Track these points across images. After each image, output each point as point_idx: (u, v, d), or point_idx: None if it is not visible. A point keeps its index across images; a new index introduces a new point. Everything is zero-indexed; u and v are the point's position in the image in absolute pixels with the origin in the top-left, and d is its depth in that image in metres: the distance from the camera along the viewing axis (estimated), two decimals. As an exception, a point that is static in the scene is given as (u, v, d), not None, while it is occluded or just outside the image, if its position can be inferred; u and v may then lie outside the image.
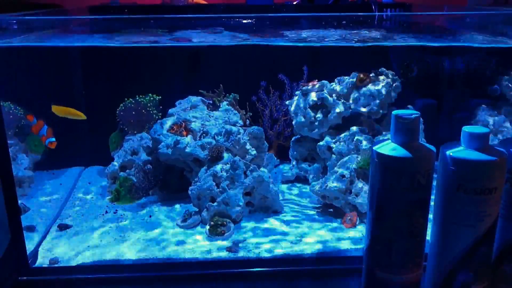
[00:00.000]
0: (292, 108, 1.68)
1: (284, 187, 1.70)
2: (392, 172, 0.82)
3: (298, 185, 1.72)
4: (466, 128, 0.84)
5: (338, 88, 1.65)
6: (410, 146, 0.82)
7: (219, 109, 1.68)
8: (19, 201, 1.21)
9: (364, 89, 1.59)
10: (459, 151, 0.83)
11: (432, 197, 0.87)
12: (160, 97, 1.77)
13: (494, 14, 1.36)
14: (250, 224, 1.40)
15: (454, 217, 0.85)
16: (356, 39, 1.45)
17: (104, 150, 1.78)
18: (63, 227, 1.39)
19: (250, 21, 1.34)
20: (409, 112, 0.83)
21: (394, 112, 0.84)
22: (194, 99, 1.72)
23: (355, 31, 1.43)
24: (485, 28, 1.42)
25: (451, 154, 0.83)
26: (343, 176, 1.43)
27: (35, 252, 1.25)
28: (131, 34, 1.46)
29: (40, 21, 1.33)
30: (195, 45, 1.66)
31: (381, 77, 1.61)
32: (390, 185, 0.83)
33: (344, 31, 1.40)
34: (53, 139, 1.61)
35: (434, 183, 0.85)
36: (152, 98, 1.75)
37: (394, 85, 1.59)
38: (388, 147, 0.83)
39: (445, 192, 0.85)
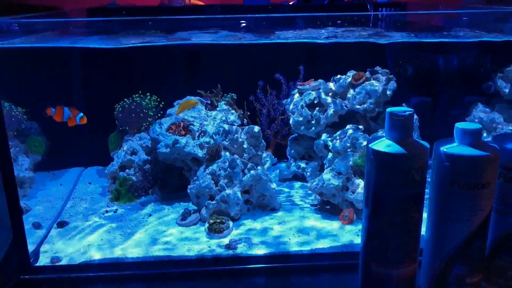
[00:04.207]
0: (289, 107, 1.70)
1: (281, 185, 1.72)
2: (387, 168, 0.84)
3: (296, 183, 1.73)
4: (459, 125, 0.86)
5: (334, 87, 1.67)
6: (404, 143, 0.84)
7: (217, 108, 1.70)
8: (21, 201, 1.22)
9: (359, 87, 1.61)
10: (453, 147, 0.85)
11: (427, 193, 0.89)
12: (158, 98, 1.79)
13: (487, 12, 1.38)
14: (249, 222, 1.42)
15: (449, 212, 0.87)
16: (351, 37, 1.47)
17: (103, 151, 1.79)
18: (62, 224, 1.41)
19: (247, 21, 1.36)
20: (403, 109, 0.85)
21: (389, 109, 0.85)
22: (192, 99, 1.74)
23: (350, 29, 1.45)
24: (479, 25, 1.44)
25: (444, 150, 0.84)
26: (339, 173, 1.45)
27: (36, 251, 1.26)
28: (130, 35, 1.47)
29: (40, 23, 1.34)
30: (192, 44, 1.67)
31: (377, 76, 1.63)
32: (385, 181, 0.84)
33: (340, 29, 1.42)
34: (82, 114, 1.61)
35: (429, 179, 0.87)
36: (150, 100, 1.77)
37: (389, 83, 1.61)
38: (383, 143, 0.85)
39: (439, 187, 0.87)
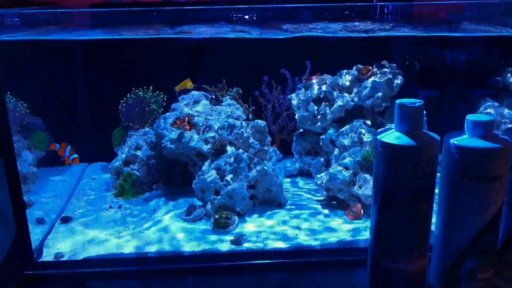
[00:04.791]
0: (295, 102, 1.69)
1: (287, 181, 1.70)
2: (396, 161, 0.83)
3: (302, 178, 1.72)
4: (470, 117, 0.84)
5: (340, 81, 1.65)
6: (414, 135, 0.83)
7: (222, 103, 1.68)
8: (24, 197, 1.22)
9: (366, 82, 1.59)
10: (463, 139, 0.83)
11: (437, 190, 0.87)
12: (162, 92, 1.78)
13: (495, 3, 1.36)
14: (254, 217, 1.41)
15: (459, 206, 0.85)
16: (357, 31, 1.45)
17: (107, 146, 1.78)
18: (66, 220, 1.40)
19: (252, 14, 1.34)
20: (413, 100, 0.84)
21: (398, 100, 0.84)
22: (196, 94, 1.73)
23: (356, 23, 1.43)
24: (487, 19, 1.42)
25: (455, 142, 0.83)
26: (346, 168, 1.44)
27: (40, 247, 1.25)
28: (134, 29, 1.46)
29: (43, 15, 1.33)
30: (197, 38, 1.66)
31: (384, 70, 1.61)
32: (394, 173, 0.83)
33: (346, 23, 1.41)
34: (76, 155, 1.72)
35: (439, 174, 0.86)
36: (155, 94, 1.76)
37: (396, 77, 1.59)
38: (392, 135, 0.84)
39: (449, 180, 0.85)
